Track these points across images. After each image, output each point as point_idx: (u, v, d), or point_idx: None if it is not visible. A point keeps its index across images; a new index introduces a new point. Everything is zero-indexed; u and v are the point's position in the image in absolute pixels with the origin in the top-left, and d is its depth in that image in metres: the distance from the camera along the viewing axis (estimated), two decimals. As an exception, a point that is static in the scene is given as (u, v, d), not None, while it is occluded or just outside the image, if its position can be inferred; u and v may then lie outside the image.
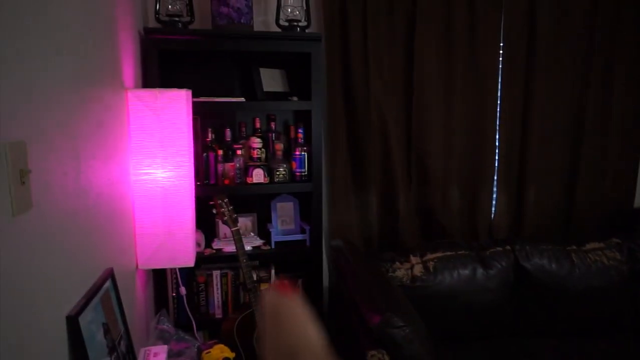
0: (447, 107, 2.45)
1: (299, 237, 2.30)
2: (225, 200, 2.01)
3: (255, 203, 2.36)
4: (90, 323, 0.99)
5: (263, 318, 0.70)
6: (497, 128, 2.54)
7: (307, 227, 2.27)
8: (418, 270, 2.16)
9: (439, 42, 2.38)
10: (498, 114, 2.53)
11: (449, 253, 2.25)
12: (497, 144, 2.55)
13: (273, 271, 2.29)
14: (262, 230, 2.35)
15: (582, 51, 2.50)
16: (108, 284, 1.18)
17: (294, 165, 2.21)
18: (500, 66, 2.49)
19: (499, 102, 2.51)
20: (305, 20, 2.15)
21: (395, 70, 2.38)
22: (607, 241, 2.36)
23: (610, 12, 2.48)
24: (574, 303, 2.24)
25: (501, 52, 2.47)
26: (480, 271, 2.21)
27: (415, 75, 2.37)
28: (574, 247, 2.32)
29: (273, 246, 2.24)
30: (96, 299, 1.05)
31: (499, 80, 2.50)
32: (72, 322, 0.90)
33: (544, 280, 2.23)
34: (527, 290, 2.25)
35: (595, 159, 2.58)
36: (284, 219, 2.32)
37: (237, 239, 1.97)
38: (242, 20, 2.15)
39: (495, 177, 2.60)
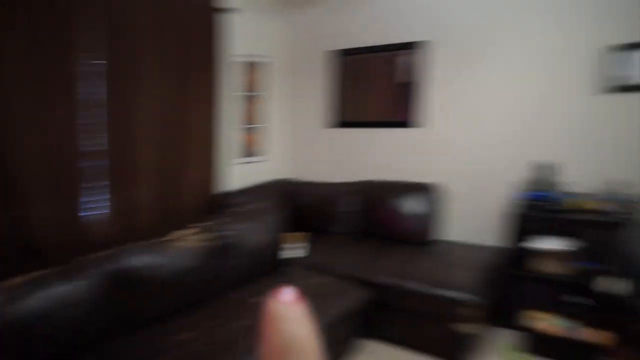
0: (36, 116, 2.26)
1: None
2: None
3: None
4: None
5: (265, 320, 0.70)
6: (106, 134, 2.53)
7: None
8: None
9: (25, 48, 2.18)
10: (106, 121, 2.53)
11: (41, 272, 2.07)
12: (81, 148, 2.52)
13: None
14: None
15: (173, 75, 2.83)
16: None
17: None
18: (106, 73, 2.52)
19: (105, 110, 2.53)
20: None
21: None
22: (198, 225, 2.66)
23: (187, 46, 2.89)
24: (172, 289, 2.42)
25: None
26: (78, 283, 2.10)
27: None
28: (170, 237, 2.50)
29: None
30: None
31: (105, 89, 2.52)
32: None
33: (144, 276, 2.31)
34: (129, 289, 2.27)
35: (187, 158, 2.95)
36: None
37: None
38: None
39: (106, 182, 2.57)
